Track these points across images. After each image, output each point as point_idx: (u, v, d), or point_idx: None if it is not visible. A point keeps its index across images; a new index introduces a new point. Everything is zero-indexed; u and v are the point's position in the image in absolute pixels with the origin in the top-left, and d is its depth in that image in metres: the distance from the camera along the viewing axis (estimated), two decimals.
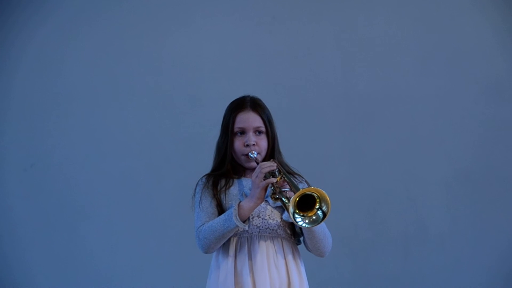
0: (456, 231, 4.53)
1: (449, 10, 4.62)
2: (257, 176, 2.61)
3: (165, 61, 4.59)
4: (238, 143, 2.79)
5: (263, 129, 2.81)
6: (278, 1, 4.63)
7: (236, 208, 2.64)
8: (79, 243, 4.50)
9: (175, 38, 4.60)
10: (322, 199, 2.50)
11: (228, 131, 2.80)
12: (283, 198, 2.60)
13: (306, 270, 2.80)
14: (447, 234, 4.53)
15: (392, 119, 4.59)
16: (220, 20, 4.61)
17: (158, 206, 4.51)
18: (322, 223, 2.56)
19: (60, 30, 4.57)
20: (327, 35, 4.62)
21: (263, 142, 2.80)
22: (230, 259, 2.72)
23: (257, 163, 2.70)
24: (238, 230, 2.70)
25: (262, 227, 2.72)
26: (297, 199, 2.47)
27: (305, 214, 2.51)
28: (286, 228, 2.75)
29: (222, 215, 2.68)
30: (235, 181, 2.80)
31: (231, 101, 2.87)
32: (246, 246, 2.72)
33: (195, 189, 2.82)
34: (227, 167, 2.81)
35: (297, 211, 2.49)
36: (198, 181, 2.83)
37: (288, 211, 2.49)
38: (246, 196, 2.70)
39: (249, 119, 2.80)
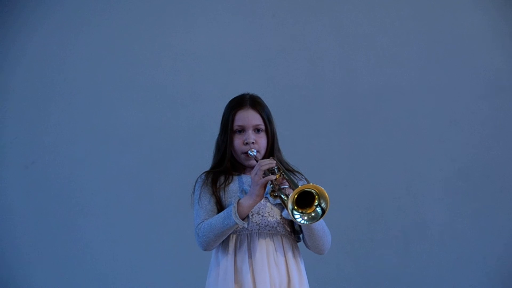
0: (456, 228, 4.53)
1: (449, 6, 4.62)
2: (256, 174, 2.61)
3: (165, 57, 4.59)
4: (238, 141, 2.79)
5: (263, 127, 2.81)
6: None
7: (236, 205, 2.64)
8: (80, 240, 4.50)
9: (175, 35, 4.60)
10: (321, 196, 2.49)
11: (228, 129, 2.80)
12: (282, 195, 2.60)
13: (306, 267, 2.80)
14: (447, 231, 4.53)
15: (392, 116, 4.58)
16: (221, 17, 4.61)
17: (158, 203, 4.51)
18: (322, 220, 2.56)
19: (61, 26, 4.57)
20: (327, 32, 4.62)
21: (262, 140, 2.80)
22: (230, 257, 2.72)
23: (257, 161, 2.70)
24: (238, 227, 2.70)
25: (262, 224, 2.73)
26: (296, 195, 2.47)
27: (304, 211, 2.51)
28: (286, 226, 2.75)
29: (222, 213, 2.68)
30: (235, 178, 2.80)
31: (231, 98, 2.87)
32: (246, 243, 2.72)
33: (195, 186, 2.82)
34: (226, 165, 2.81)
35: (295, 207, 2.49)
36: (198, 178, 2.83)
37: (287, 208, 2.49)
38: (245, 193, 2.70)
39: (249, 117, 2.80)
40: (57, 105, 4.56)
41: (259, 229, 2.73)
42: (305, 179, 2.85)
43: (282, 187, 2.61)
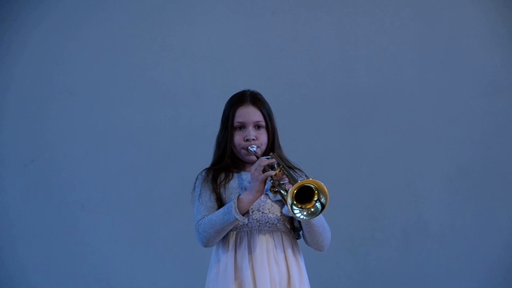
0: (457, 226, 4.53)
1: (448, 6, 4.62)
2: (256, 169, 2.62)
3: (165, 55, 4.59)
4: (238, 138, 2.79)
5: (263, 123, 2.81)
6: None
7: (236, 201, 2.64)
8: (79, 239, 4.50)
9: (175, 33, 4.60)
10: (320, 191, 2.49)
11: (228, 126, 2.80)
12: (281, 191, 2.59)
13: (306, 264, 2.80)
14: (448, 229, 4.53)
15: (393, 114, 4.59)
16: (221, 14, 4.61)
17: (158, 200, 4.51)
18: (321, 216, 2.56)
19: (60, 25, 4.57)
20: (327, 29, 4.62)
21: (263, 137, 2.80)
22: (230, 253, 2.72)
23: (257, 157, 2.71)
24: (238, 223, 2.70)
25: (262, 221, 2.73)
26: (295, 190, 2.46)
27: (303, 206, 2.50)
28: (286, 222, 2.75)
29: (222, 208, 2.69)
30: (235, 175, 2.80)
31: (231, 95, 2.87)
32: (246, 240, 2.72)
33: (195, 183, 2.82)
34: (227, 161, 2.81)
35: (295, 202, 2.48)
36: (198, 175, 2.83)
37: (286, 203, 2.49)
38: (245, 189, 2.70)
39: (249, 114, 2.80)
40: (56, 103, 4.56)
41: (259, 225, 2.73)
42: (306, 175, 2.84)
43: (282, 182, 2.61)
